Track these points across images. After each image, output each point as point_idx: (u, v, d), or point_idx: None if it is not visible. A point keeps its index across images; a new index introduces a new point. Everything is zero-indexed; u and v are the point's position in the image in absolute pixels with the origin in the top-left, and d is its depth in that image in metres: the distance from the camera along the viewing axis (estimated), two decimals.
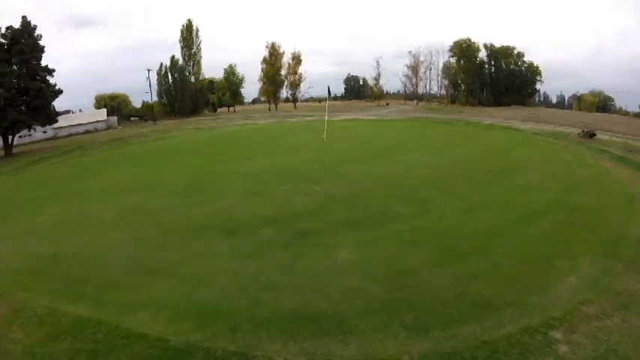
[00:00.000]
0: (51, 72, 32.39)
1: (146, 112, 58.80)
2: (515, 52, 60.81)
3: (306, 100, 72.39)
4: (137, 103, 65.85)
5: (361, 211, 12.21)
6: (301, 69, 64.90)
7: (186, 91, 59.54)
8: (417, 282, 8.00)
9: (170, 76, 59.66)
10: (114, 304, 7.48)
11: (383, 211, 12.19)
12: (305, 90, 67.30)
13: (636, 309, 7.06)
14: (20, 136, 35.91)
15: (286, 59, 64.47)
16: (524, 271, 8.41)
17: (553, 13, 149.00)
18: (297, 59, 64.14)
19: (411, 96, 69.13)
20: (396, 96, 76.56)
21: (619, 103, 74.69)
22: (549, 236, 10.24)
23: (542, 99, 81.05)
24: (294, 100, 67.20)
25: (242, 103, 76.28)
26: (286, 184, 15.46)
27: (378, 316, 6.84)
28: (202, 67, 61.55)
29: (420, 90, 69.10)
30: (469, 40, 60.58)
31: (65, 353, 6.24)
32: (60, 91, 33.33)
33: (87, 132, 45.36)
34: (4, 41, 30.22)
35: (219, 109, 69.11)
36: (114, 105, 62.21)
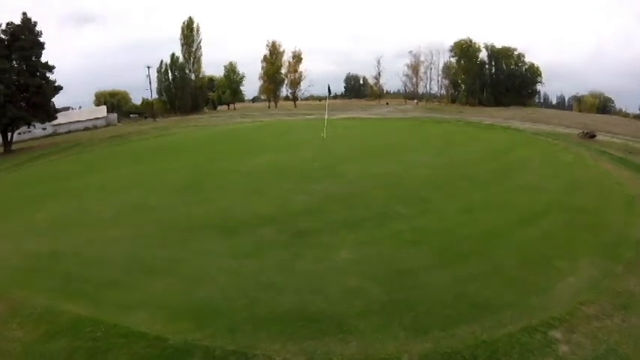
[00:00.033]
0: (51, 69, 32.37)
1: (146, 110, 58.63)
2: (516, 52, 60.59)
3: (306, 99, 72.36)
4: (137, 101, 65.57)
5: (361, 210, 12.19)
6: (301, 67, 65.13)
7: (187, 89, 59.50)
8: (416, 282, 7.98)
9: (170, 74, 59.63)
10: (112, 303, 7.47)
11: (383, 211, 12.15)
12: (305, 88, 67.55)
13: (636, 309, 7.07)
14: (19, 133, 35.85)
15: (287, 58, 64.65)
16: (524, 271, 8.40)
17: (554, 14, 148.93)
18: (297, 57, 64.23)
19: (411, 95, 69.07)
20: (396, 95, 76.51)
21: (619, 104, 74.58)
22: (549, 237, 10.21)
23: (542, 100, 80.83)
24: (294, 98, 67.23)
25: (242, 100, 76.31)
26: (286, 183, 15.42)
27: (377, 316, 6.83)
28: (202, 64, 61.69)
29: (421, 90, 69.20)
30: (470, 40, 60.42)
31: (63, 351, 6.22)
32: (60, 88, 33.34)
33: (86, 129, 45.22)
34: (4, 37, 30.20)
35: (219, 107, 69.04)
36: (114, 102, 61.87)
